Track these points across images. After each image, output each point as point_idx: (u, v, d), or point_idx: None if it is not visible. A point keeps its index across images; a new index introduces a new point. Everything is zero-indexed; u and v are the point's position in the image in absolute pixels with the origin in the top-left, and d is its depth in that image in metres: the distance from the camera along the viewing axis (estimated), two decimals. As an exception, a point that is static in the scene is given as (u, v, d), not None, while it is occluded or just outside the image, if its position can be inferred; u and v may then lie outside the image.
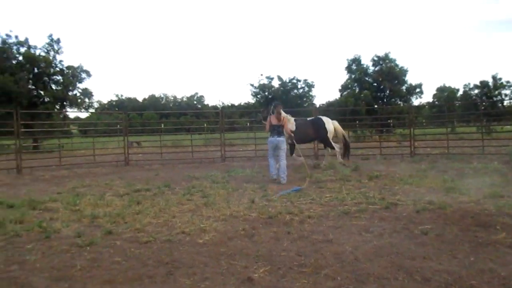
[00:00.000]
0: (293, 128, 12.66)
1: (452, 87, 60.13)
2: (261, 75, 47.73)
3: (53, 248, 4.93)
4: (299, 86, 43.44)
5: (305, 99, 43.33)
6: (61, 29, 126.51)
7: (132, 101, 66.71)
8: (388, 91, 35.87)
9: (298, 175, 10.83)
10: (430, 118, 32.22)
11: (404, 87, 36.25)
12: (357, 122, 27.05)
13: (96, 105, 41.15)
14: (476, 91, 43.15)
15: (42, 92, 27.41)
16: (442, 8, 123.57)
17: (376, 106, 33.47)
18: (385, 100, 36.13)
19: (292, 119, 13.51)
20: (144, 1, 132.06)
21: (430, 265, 4.02)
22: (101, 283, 3.86)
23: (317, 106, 33.08)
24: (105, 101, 66.99)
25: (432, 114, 34.47)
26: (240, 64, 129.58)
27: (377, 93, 35.93)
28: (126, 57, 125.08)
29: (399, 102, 35.88)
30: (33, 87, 27.17)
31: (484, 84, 41.57)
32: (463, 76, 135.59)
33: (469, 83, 44.76)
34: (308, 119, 13.20)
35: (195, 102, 66.53)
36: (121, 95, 69.14)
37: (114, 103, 67.25)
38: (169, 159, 16.75)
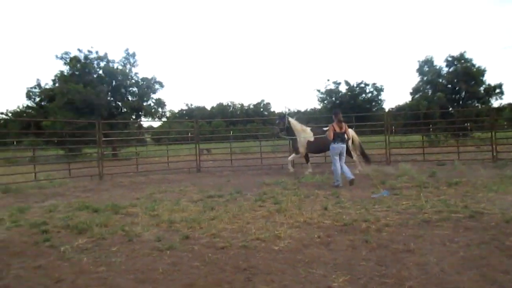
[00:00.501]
0: (312, 138, 13.51)
1: (537, 86, 55.39)
2: (328, 80, 47.27)
3: (136, 251, 5.16)
4: (367, 91, 42.51)
5: (374, 103, 42.22)
6: (136, 42, 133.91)
7: (201, 110, 68.73)
8: (464, 93, 33.90)
9: (370, 181, 10.50)
10: (513, 121, 29.91)
11: (482, 88, 34.05)
12: (430, 126, 25.80)
13: (168, 114, 42.92)
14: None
15: (119, 103, 29.12)
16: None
17: (451, 108, 31.74)
18: (460, 103, 34.16)
19: (308, 129, 13.59)
20: (210, 12, 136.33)
21: (527, 280, 3.69)
22: (182, 287, 3.97)
23: (387, 110, 32.00)
24: (176, 110, 69.74)
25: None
26: (306, 70, 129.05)
27: (452, 95, 34.10)
28: (195, 67, 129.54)
29: (477, 104, 33.76)
30: (112, 98, 28.93)
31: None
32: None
33: (557, 82, 40.98)
34: (325, 128, 12.83)
35: (261, 109, 67.24)
36: (191, 104, 71.55)
37: (184, 112, 69.77)
38: (239, 165, 17.02)
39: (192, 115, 63.46)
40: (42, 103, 34.11)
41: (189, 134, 21.00)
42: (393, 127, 20.42)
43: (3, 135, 23.96)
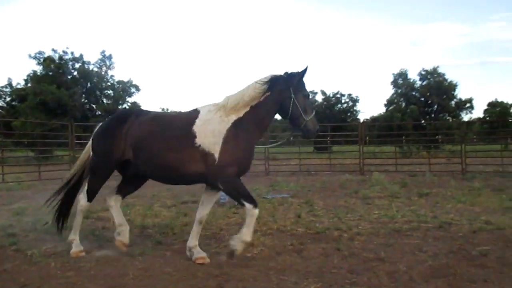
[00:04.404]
0: None
1: (505, 102, 57.44)
2: (305, 89, 47.62)
3: (107, 257, 5.06)
4: (343, 101, 43.00)
5: (349, 114, 42.78)
6: (112, 44, 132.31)
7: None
8: (436, 106, 34.85)
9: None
10: (482, 135, 30.89)
11: (453, 102, 35.09)
12: (403, 137, 26.38)
13: (143, 118, 42.51)
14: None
15: (94, 106, 28.67)
16: (490, 21, 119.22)
17: (423, 121, 32.54)
18: (433, 115, 35.08)
19: None
20: (188, 15, 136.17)
21: (492, 289, 3.80)
22: (153, 293, 3.92)
23: (362, 121, 32.56)
24: (151, 114, 69.11)
25: (484, 130, 33.07)
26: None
27: (424, 108, 35.01)
28: (172, 71, 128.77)
29: (448, 118, 34.74)
30: (86, 101, 28.47)
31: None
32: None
33: (523, 98, 42.67)
34: None
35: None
36: (167, 109, 71.18)
37: (160, 116, 69.32)
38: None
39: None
40: (13, 103, 33.16)
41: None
42: (367, 137, 20.75)
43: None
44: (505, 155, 16.90)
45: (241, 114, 4.75)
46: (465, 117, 36.30)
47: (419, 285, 3.96)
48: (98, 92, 28.68)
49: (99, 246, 5.54)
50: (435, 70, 35.42)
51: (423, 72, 35.80)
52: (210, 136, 4.63)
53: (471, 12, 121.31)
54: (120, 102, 29.25)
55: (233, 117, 4.72)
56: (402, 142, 25.83)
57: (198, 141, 4.63)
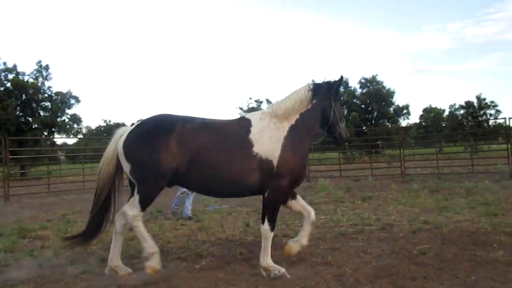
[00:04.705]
0: None
1: (438, 107, 61.24)
2: (250, 98, 48.11)
3: (46, 277, 4.78)
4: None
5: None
6: (50, 55, 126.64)
7: (120, 127, 66.06)
8: (376, 113, 36.37)
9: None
10: (418, 139, 32.60)
11: (391, 109, 36.80)
12: (346, 143, 27.27)
13: (84, 130, 40.89)
14: (462, 111, 43.94)
15: (30, 119, 27.24)
16: (423, 30, 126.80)
17: (364, 127, 33.83)
18: (373, 122, 36.58)
19: None
20: (127, 26, 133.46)
21: (431, 285, 3.99)
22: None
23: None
24: (93, 126, 66.57)
25: (420, 135, 34.94)
26: (228, 87, 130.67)
27: (365, 114, 36.40)
28: (114, 82, 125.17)
29: (387, 123, 36.37)
30: (21, 113, 26.99)
31: (469, 105, 42.36)
32: (449, 97, 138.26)
33: (454, 104, 45.60)
34: None
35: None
36: (109, 121, 68.93)
37: (102, 128, 66.84)
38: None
39: (111, 132, 60.94)
40: None
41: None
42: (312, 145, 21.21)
43: None
44: (440, 158, 17.89)
45: (292, 121, 4.75)
46: (403, 122, 38.27)
47: (365, 286, 4.08)
48: (34, 104, 27.28)
49: (39, 266, 5.22)
50: (374, 78, 37.06)
51: (362, 80, 37.35)
52: (268, 143, 4.55)
53: (406, 22, 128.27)
54: (59, 114, 27.99)
55: (287, 125, 4.71)
56: (345, 148, 26.68)
57: (256, 149, 4.53)
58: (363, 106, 36.75)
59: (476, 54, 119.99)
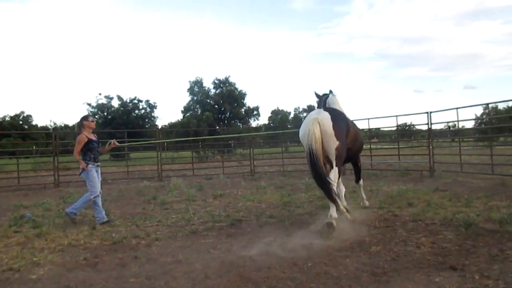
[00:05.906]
0: None
1: (285, 110, 66.29)
2: (99, 94, 45.26)
3: None
4: (140, 107, 42.47)
5: (147, 120, 42.51)
6: None
7: None
8: (228, 113, 37.62)
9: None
10: (266, 139, 34.72)
11: (243, 110, 38.47)
12: (199, 143, 27.61)
13: None
14: (305, 114, 48.36)
15: None
16: (274, 38, 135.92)
17: (218, 127, 34.70)
18: (226, 122, 37.76)
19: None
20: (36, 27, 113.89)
21: (275, 274, 4.28)
22: None
23: (160, 127, 32.76)
24: None
25: (268, 135, 37.25)
26: (75, 82, 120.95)
27: (218, 114, 37.39)
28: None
29: (239, 124, 37.92)
30: None
31: (311, 108, 46.74)
32: (294, 100, 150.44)
33: (298, 107, 49.90)
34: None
35: (20, 123, 59.13)
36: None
37: None
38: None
39: None
40: None
41: None
42: (165, 143, 20.97)
43: None
44: (285, 157, 19.30)
45: None
46: (253, 123, 40.32)
47: (213, 280, 4.18)
48: None
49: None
50: (226, 79, 38.27)
51: (216, 81, 38.27)
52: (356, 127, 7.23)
53: (260, 27, 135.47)
54: None
55: None
56: (199, 147, 27.01)
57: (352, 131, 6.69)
58: (216, 106, 37.67)
59: (317, 62, 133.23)
